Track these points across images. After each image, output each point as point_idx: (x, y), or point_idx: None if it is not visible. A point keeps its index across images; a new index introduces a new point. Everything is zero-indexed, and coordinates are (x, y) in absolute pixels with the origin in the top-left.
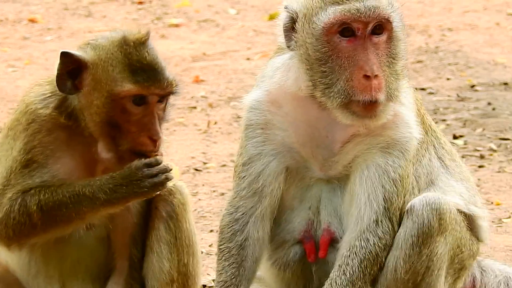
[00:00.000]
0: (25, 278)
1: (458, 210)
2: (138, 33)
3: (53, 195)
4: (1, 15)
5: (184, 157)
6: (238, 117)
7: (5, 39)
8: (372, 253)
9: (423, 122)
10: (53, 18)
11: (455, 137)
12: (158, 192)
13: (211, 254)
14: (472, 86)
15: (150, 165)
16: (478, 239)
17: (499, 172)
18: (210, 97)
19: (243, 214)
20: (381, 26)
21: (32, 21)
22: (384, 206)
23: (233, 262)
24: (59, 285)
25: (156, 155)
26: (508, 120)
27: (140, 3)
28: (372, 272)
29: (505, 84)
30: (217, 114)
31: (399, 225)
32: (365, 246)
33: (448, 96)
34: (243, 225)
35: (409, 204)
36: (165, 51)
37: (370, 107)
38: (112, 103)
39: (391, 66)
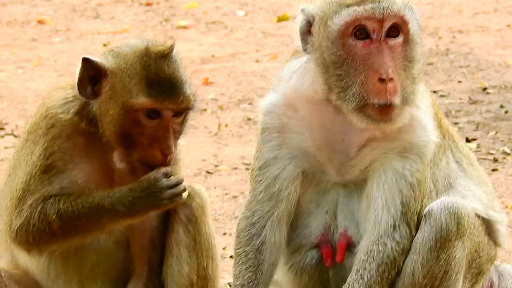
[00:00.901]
0: (44, 282)
1: (476, 214)
2: (161, 45)
3: (72, 205)
4: (9, 16)
5: (196, 160)
6: (249, 119)
7: (14, 41)
8: (389, 257)
9: (441, 126)
10: (62, 20)
11: (467, 140)
12: (175, 204)
13: (224, 257)
14: (484, 89)
15: (167, 175)
16: (495, 243)
17: None
18: (220, 100)
19: (259, 218)
20: (397, 28)
21: (40, 22)
22: (402, 211)
23: (250, 266)
24: None
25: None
26: None
27: (148, 4)
28: (389, 276)
29: None
30: (227, 117)
31: (417, 229)
32: (382, 250)
33: (460, 99)
34: (259, 229)
35: (427, 208)
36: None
37: (385, 111)
38: (125, 114)
39: (407, 69)
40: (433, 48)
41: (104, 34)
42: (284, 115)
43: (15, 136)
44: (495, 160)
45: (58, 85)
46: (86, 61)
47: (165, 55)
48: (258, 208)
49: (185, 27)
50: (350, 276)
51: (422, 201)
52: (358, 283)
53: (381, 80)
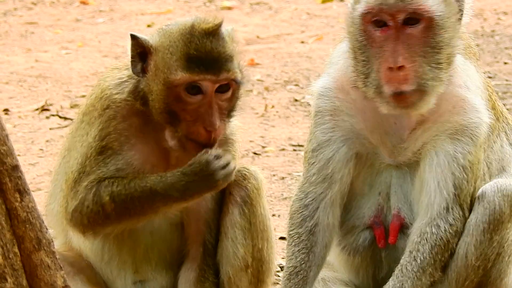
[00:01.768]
0: (98, 264)
1: None
2: (207, 22)
3: (125, 188)
4: None
5: (243, 141)
6: (295, 100)
7: (57, 21)
8: (443, 239)
9: (494, 108)
10: (105, 0)
11: None
12: (227, 183)
13: None
14: None
15: (219, 157)
16: None
17: None
18: (266, 81)
19: (312, 200)
20: (415, 16)
21: (83, 3)
22: (454, 193)
23: (303, 248)
24: (132, 271)
25: (212, 145)
26: None
27: None
28: (443, 258)
29: None
30: (274, 98)
31: (470, 211)
32: (436, 232)
33: (506, 80)
34: (313, 211)
35: (480, 191)
36: None
37: (399, 98)
38: (167, 91)
39: (427, 56)
40: (478, 30)
41: (147, 15)
42: (336, 98)
43: (60, 117)
44: None
45: (114, 66)
46: (132, 38)
47: (210, 32)
48: (311, 190)
49: (229, 8)
50: (403, 257)
51: (475, 183)
52: (411, 264)
53: (390, 69)
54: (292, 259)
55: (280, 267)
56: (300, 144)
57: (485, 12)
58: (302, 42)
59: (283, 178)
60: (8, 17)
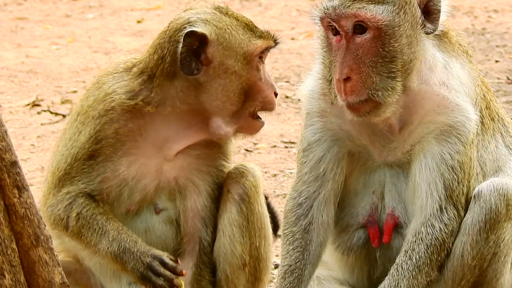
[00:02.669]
0: (92, 264)
1: None
2: (219, 2)
3: (91, 218)
4: None
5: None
6: (287, 97)
7: (47, 16)
8: (438, 239)
9: (489, 108)
10: None
11: None
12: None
13: None
14: None
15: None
16: None
17: None
18: None
19: (306, 198)
20: (362, 25)
21: None
22: (446, 194)
23: (297, 246)
24: None
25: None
26: None
27: None
28: (438, 258)
29: None
30: None
31: (466, 210)
32: (431, 232)
33: (498, 78)
34: (306, 209)
35: (476, 190)
36: None
37: (352, 108)
38: (248, 64)
39: (377, 65)
40: (469, 27)
41: (137, 10)
42: (322, 100)
43: (51, 112)
44: None
45: (108, 71)
46: (190, 35)
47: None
48: (305, 188)
49: None
50: (398, 257)
51: (469, 182)
52: (407, 263)
53: (338, 80)
54: (287, 257)
55: (274, 265)
56: (291, 141)
57: (475, 10)
58: (293, 38)
59: (275, 175)
60: None
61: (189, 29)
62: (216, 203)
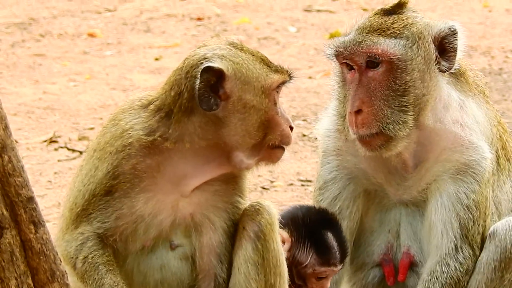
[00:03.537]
0: None
1: None
2: (230, 37)
3: (94, 266)
4: (60, 29)
5: (251, 176)
6: (304, 135)
7: (65, 53)
8: (453, 278)
9: (505, 149)
10: (112, 33)
11: None
12: None
13: None
14: None
15: None
16: None
17: None
18: None
19: None
20: (375, 59)
21: (91, 35)
22: (461, 234)
23: None
24: None
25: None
26: None
27: (199, 19)
28: None
29: None
30: None
31: (481, 250)
32: (446, 271)
33: None
34: None
35: (491, 229)
36: None
37: (363, 142)
38: (266, 98)
39: (389, 99)
40: (486, 67)
41: (155, 48)
42: (338, 139)
43: (68, 149)
44: None
45: (124, 108)
46: (207, 70)
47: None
48: None
49: None
50: None
51: (484, 221)
52: None
53: (351, 113)
54: None
55: None
56: (308, 179)
57: (493, 50)
58: (310, 77)
59: None
60: (16, 48)
61: (206, 65)
62: (232, 240)
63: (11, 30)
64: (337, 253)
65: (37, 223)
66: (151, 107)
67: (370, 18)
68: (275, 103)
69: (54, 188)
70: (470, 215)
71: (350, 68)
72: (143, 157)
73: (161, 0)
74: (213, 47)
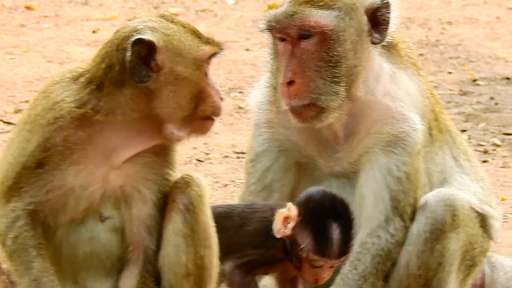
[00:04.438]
0: None
1: (471, 207)
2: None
3: (24, 245)
4: None
5: (186, 148)
6: (240, 108)
7: (2, 26)
8: (384, 249)
9: (437, 120)
10: (50, 6)
11: None
12: None
13: None
14: (474, 81)
15: None
16: (489, 237)
17: (503, 167)
18: None
19: None
20: (307, 31)
21: (28, 8)
22: (392, 205)
23: None
24: (71, 280)
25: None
26: (511, 115)
27: None
28: (384, 268)
29: (507, 78)
30: None
31: (412, 221)
32: (377, 242)
33: (450, 90)
34: None
35: (422, 200)
36: None
37: (295, 113)
38: (197, 70)
39: (322, 70)
40: (423, 39)
41: (93, 21)
42: (270, 111)
43: (4, 122)
44: (486, 152)
45: (55, 80)
46: (138, 42)
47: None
48: (251, 198)
49: (175, 15)
50: (344, 267)
51: (416, 193)
52: (352, 273)
53: (283, 84)
54: None
55: None
56: (243, 151)
57: (429, 21)
58: (247, 49)
59: (226, 185)
60: None
61: (136, 37)
62: (162, 213)
63: None
64: (335, 246)
65: None
66: (82, 79)
67: None
68: (206, 75)
69: None
70: (401, 187)
71: (283, 39)
72: (75, 129)
73: None
74: (144, 19)
